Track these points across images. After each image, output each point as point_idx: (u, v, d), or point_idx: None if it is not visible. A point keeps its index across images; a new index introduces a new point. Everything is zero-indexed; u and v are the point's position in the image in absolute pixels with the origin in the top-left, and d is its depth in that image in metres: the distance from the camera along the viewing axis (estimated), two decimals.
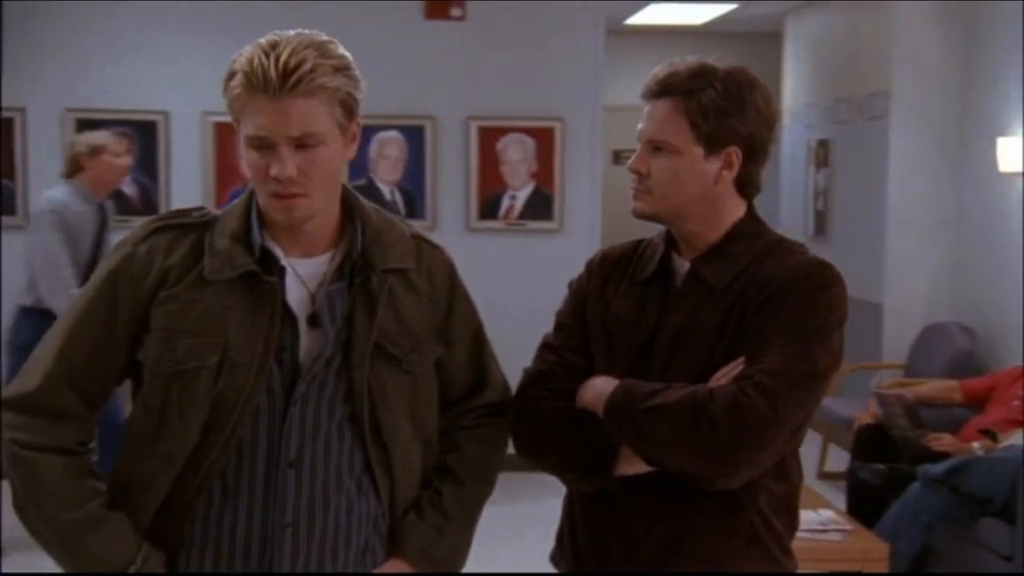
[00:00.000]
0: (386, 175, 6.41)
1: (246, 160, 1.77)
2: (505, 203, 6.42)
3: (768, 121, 1.97)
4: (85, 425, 1.85)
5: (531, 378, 2.04)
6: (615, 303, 2.02)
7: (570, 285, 2.12)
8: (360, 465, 1.85)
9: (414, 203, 6.39)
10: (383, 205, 7.02)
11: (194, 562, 1.81)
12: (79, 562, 1.79)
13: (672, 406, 1.83)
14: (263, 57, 1.73)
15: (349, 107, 1.80)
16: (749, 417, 1.80)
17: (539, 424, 1.98)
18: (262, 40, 1.76)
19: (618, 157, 8.99)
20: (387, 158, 6.39)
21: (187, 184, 6.30)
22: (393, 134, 6.38)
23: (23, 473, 1.79)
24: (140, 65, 6.29)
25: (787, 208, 8.36)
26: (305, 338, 1.82)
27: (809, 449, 6.67)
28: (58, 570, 1.86)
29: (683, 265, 1.99)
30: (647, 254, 2.04)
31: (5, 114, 6.22)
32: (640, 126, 1.98)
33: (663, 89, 1.95)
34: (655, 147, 1.95)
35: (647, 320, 1.97)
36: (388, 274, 1.87)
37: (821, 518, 4.31)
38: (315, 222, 1.83)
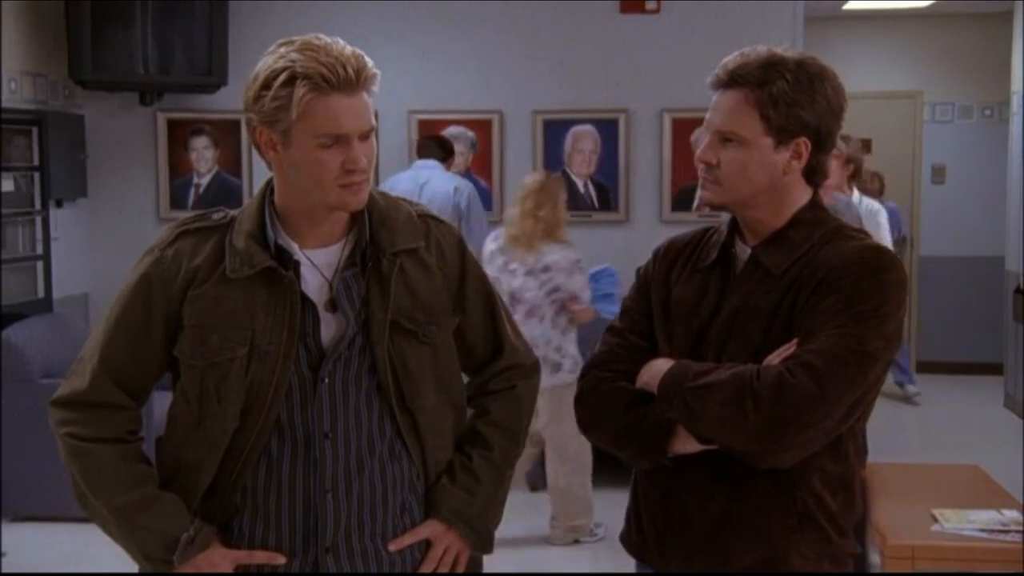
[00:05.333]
0: (580, 168, 6.51)
1: (311, 159, 1.85)
2: (698, 195, 6.42)
3: (836, 111, 1.96)
4: (133, 415, 2.01)
5: (594, 359, 2.11)
6: (677, 288, 2.06)
7: (637, 272, 2.17)
8: (391, 432, 1.98)
9: (607, 196, 6.44)
10: (577, 198, 6.99)
11: (246, 528, 1.95)
12: (138, 538, 1.95)
13: (720, 384, 1.86)
14: (328, 59, 1.83)
15: None
16: (793, 395, 1.80)
17: (598, 402, 2.05)
18: (297, 46, 1.85)
19: None
20: (581, 151, 6.50)
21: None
22: (587, 127, 6.49)
23: (81, 463, 1.95)
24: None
25: (1014, 196, 7.92)
26: (326, 322, 1.95)
27: None
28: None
29: (745, 251, 2.01)
30: (712, 241, 2.07)
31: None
32: (708, 116, 1.99)
33: (733, 79, 1.94)
34: (724, 138, 1.95)
35: (706, 305, 2.00)
36: (398, 255, 1.98)
37: (1004, 518, 4.13)
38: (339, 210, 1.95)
